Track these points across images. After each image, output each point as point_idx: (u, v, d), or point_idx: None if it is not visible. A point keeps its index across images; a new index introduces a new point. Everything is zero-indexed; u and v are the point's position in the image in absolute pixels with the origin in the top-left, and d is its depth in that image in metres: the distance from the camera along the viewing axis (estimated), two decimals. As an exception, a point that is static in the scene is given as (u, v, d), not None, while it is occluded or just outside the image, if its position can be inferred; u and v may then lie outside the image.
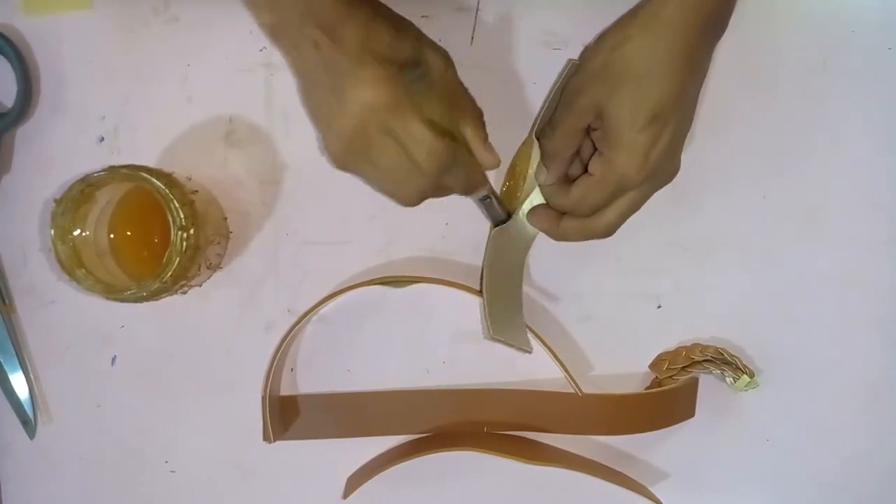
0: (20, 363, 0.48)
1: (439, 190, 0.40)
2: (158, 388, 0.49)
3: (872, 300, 0.48)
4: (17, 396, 0.49)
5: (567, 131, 0.42)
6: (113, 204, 0.45)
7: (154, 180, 0.41)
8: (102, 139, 0.48)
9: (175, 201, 0.41)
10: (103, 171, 0.41)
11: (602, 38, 0.40)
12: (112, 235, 0.45)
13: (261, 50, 0.47)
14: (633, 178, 0.39)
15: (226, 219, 0.48)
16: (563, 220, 0.43)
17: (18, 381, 0.48)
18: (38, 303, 0.49)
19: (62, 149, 0.48)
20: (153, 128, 0.48)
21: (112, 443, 0.49)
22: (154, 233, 0.45)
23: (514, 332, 0.47)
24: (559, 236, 0.44)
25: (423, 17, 0.47)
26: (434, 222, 0.48)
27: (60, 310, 0.49)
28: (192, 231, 0.41)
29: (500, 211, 0.46)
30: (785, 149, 0.48)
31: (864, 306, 0.49)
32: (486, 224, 0.48)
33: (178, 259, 0.41)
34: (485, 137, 0.41)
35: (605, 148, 0.40)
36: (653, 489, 0.48)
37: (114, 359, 0.49)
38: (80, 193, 0.41)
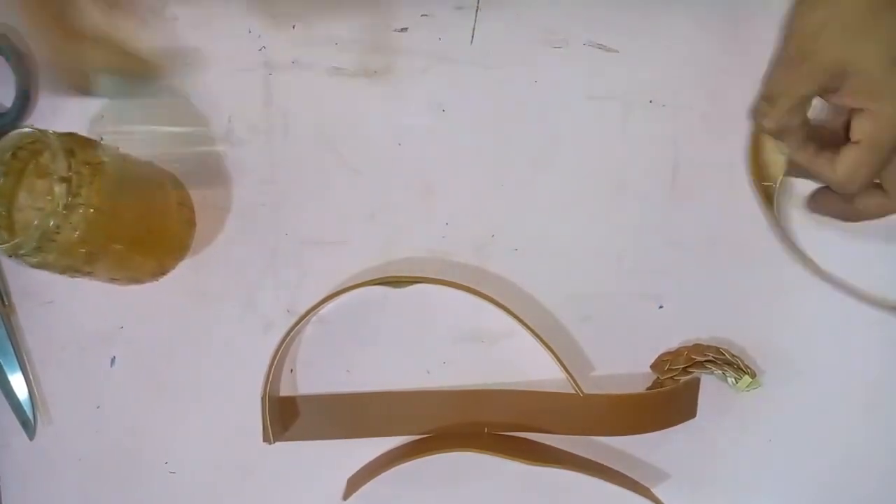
0: (19, 364, 0.48)
1: None
2: (158, 388, 0.49)
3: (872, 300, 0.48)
4: (16, 397, 0.48)
5: (792, 101, 0.37)
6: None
7: (47, 132, 0.38)
8: (102, 139, 0.48)
9: (62, 151, 0.38)
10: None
11: None
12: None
13: (260, 49, 0.47)
14: None
15: (189, 207, 0.48)
16: (857, 198, 0.39)
17: (18, 382, 0.48)
18: (38, 303, 0.49)
19: (61, 149, 0.48)
20: (151, 127, 0.48)
21: (111, 443, 0.49)
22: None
23: None
24: (857, 216, 0.40)
25: (423, 15, 0.47)
26: (434, 222, 0.48)
27: (60, 310, 0.49)
28: (80, 187, 0.38)
29: None
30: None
31: (864, 306, 0.48)
32: (485, 223, 0.48)
33: (50, 215, 0.37)
34: None
35: (866, 101, 0.36)
36: (654, 490, 0.48)
37: (113, 359, 0.49)
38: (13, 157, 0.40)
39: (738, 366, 0.47)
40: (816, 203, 0.42)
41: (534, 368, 0.48)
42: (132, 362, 0.49)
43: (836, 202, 0.41)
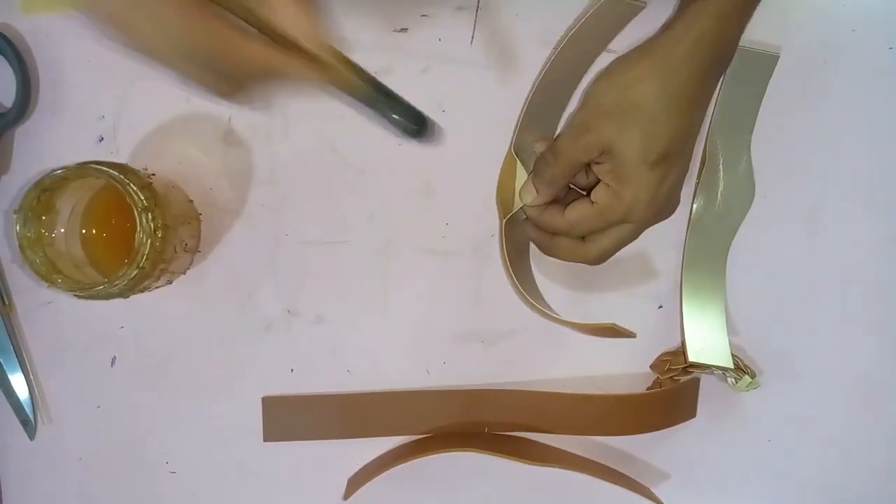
0: (20, 364, 0.48)
1: None
2: (158, 388, 0.49)
3: (872, 300, 0.48)
4: (16, 397, 0.48)
5: (571, 163, 0.42)
6: (78, 213, 0.44)
7: (106, 169, 0.41)
8: (102, 139, 0.48)
9: (132, 185, 0.41)
10: (54, 171, 0.41)
11: (611, 74, 0.41)
12: (85, 245, 0.44)
13: (260, 49, 0.47)
14: (640, 213, 0.41)
15: (192, 201, 0.48)
16: (555, 237, 0.44)
17: (18, 382, 0.48)
18: (38, 303, 0.49)
19: (61, 149, 0.48)
20: (152, 127, 0.48)
21: (112, 443, 0.49)
22: (129, 236, 0.43)
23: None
24: (550, 251, 0.45)
25: (422, 16, 0.47)
26: (434, 222, 0.48)
27: (60, 310, 0.49)
28: (155, 211, 0.41)
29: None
30: (785, 148, 0.48)
31: (864, 306, 0.48)
32: (485, 223, 0.48)
33: (148, 240, 0.41)
34: None
35: (613, 181, 0.41)
36: (654, 490, 0.48)
37: (113, 359, 0.49)
38: (38, 200, 0.41)
39: (738, 366, 0.47)
40: (529, 225, 0.46)
41: (534, 368, 0.48)
42: (132, 362, 0.49)
43: (536, 230, 0.45)
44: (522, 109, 0.46)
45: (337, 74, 0.33)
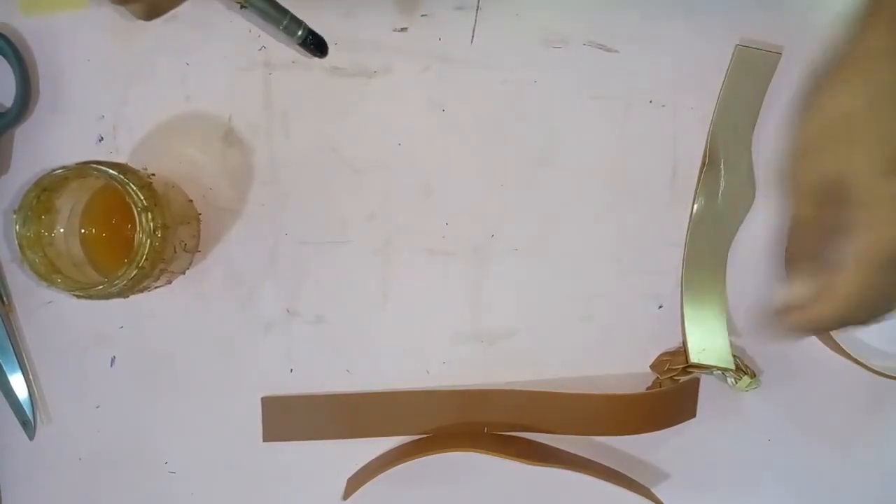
0: (19, 364, 0.48)
1: None
2: (158, 388, 0.49)
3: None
4: (16, 397, 0.48)
5: (817, 222, 0.34)
6: (78, 213, 0.44)
7: (106, 168, 0.41)
8: (101, 139, 0.48)
9: (132, 184, 0.40)
10: (54, 171, 0.41)
11: (803, 108, 0.34)
12: (84, 245, 0.44)
13: (260, 49, 0.47)
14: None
15: (191, 201, 0.47)
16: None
17: (17, 382, 0.48)
18: (38, 303, 0.49)
19: (61, 148, 0.48)
20: (152, 127, 0.48)
21: (111, 443, 0.49)
22: (129, 236, 0.44)
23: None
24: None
25: (423, 15, 0.47)
26: (434, 222, 0.48)
27: (59, 310, 0.49)
28: (155, 211, 0.41)
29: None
30: (784, 148, 0.47)
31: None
32: (485, 223, 0.48)
33: (148, 240, 0.40)
34: None
35: (853, 213, 0.32)
36: (654, 490, 0.48)
37: (113, 359, 0.49)
38: (37, 200, 0.41)
39: (738, 366, 0.47)
40: (795, 325, 0.35)
41: (534, 368, 0.48)
42: (132, 362, 0.49)
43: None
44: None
45: None
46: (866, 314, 0.33)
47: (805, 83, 0.34)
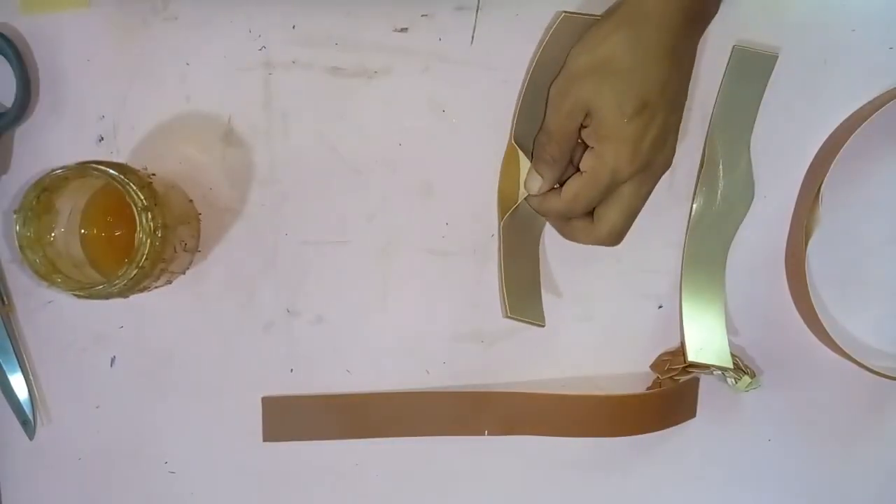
0: (19, 364, 0.48)
1: None
2: (158, 388, 0.49)
3: (872, 300, 0.48)
4: (16, 397, 0.48)
5: (562, 135, 0.42)
6: (78, 213, 0.44)
7: (106, 168, 0.41)
8: (101, 139, 0.48)
9: (132, 184, 0.41)
10: (54, 171, 0.41)
11: (584, 39, 0.41)
12: (84, 245, 0.44)
13: (260, 49, 0.47)
14: (625, 169, 0.40)
15: (191, 201, 0.47)
16: (570, 222, 0.43)
17: (18, 382, 0.48)
18: (38, 303, 0.49)
19: (61, 148, 0.48)
20: (152, 127, 0.48)
21: (111, 443, 0.49)
22: (129, 236, 0.44)
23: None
24: (571, 237, 0.44)
25: (423, 15, 0.47)
26: (434, 222, 0.48)
27: (59, 310, 0.49)
28: (155, 211, 0.41)
29: None
30: (784, 149, 0.48)
31: (864, 306, 0.48)
32: (485, 223, 0.48)
33: (148, 240, 0.40)
34: None
35: (595, 142, 0.40)
36: (654, 489, 0.48)
37: (113, 359, 0.49)
38: (37, 200, 0.41)
39: (738, 366, 0.47)
40: (543, 210, 0.45)
41: (534, 368, 0.48)
42: (132, 362, 0.49)
43: (557, 218, 0.45)
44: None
45: None
46: (581, 214, 0.42)
47: (591, 23, 0.41)
